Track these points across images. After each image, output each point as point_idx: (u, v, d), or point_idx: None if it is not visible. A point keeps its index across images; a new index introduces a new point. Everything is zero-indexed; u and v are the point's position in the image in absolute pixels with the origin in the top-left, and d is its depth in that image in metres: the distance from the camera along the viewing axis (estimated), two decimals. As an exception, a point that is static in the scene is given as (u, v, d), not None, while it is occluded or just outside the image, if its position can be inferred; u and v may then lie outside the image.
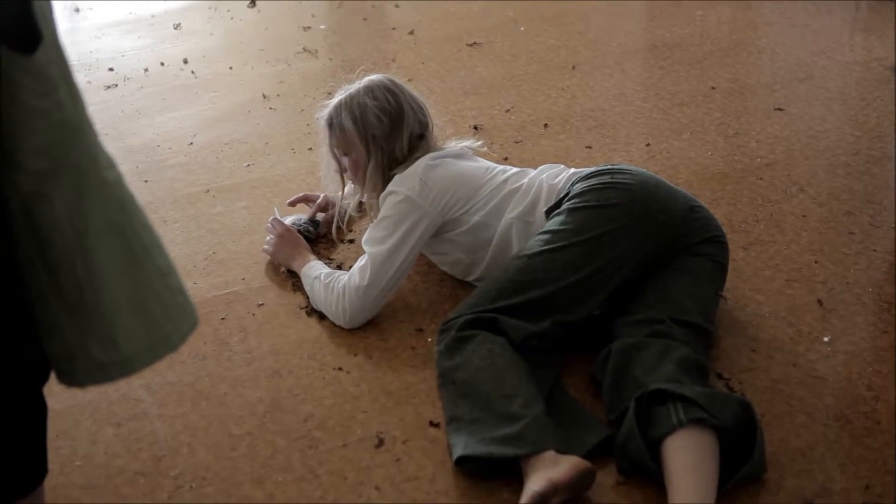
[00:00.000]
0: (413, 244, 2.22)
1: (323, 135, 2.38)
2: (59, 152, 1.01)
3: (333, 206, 2.64)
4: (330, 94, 2.42)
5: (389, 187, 2.26)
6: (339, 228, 2.57)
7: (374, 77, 2.37)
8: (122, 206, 1.08)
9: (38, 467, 1.24)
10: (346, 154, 2.34)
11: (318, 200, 2.65)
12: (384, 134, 2.30)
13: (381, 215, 2.26)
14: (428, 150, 2.33)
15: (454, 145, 2.39)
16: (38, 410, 1.20)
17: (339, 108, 2.33)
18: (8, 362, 1.09)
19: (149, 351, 1.10)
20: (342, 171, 2.39)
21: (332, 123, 2.33)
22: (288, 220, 2.56)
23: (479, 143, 2.51)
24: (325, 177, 2.50)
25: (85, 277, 1.04)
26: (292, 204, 2.69)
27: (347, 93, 2.34)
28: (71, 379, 1.11)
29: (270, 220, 2.53)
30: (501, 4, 4.36)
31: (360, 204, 2.61)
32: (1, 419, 1.13)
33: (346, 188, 2.49)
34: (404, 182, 2.24)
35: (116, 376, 1.11)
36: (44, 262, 1.04)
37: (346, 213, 2.56)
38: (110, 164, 1.08)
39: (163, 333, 1.11)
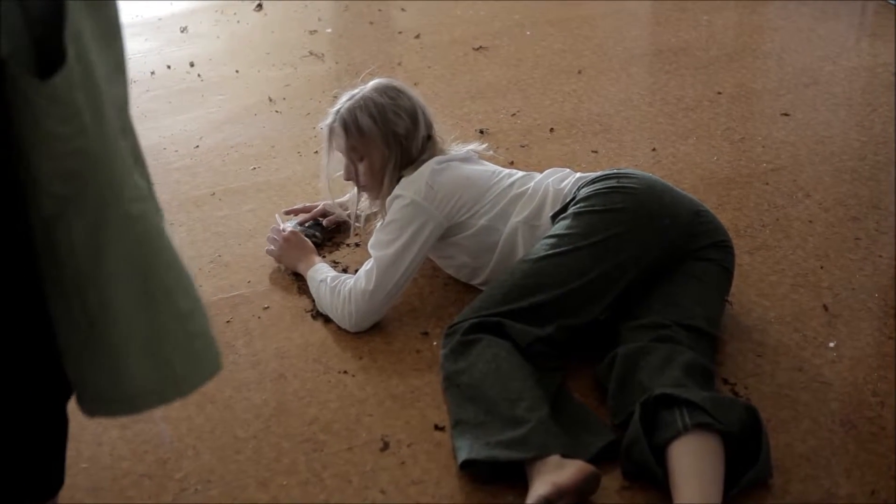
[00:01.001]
0: (419, 248, 2.22)
1: (336, 141, 2.34)
2: (79, 179, 0.97)
3: (332, 213, 2.64)
4: (336, 97, 2.41)
5: (396, 191, 2.26)
6: (356, 234, 2.57)
7: (379, 80, 2.37)
8: (146, 241, 1.03)
9: (55, 478, 1.24)
10: (362, 157, 2.31)
11: (318, 208, 2.65)
12: (406, 131, 2.29)
13: (387, 219, 2.26)
14: (434, 153, 2.33)
15: (459, 149, 2.39)
16: (60, 425, 1.19)
17: (352, 110, 2.29)
18: (34, 376, 1.08)
19: (156, 393, 1.07)
20: (356, 175, 2.36)
21: (348, 125, 2.29)
22: (292, 224, 2.57)
23: (484, 146, 2.51)
24: (325, 188, 2.48)
25: (97, 310, 1.01)
26: (292, 213, 2.69)
27: (357, 95, 2.32)
28: (82, 405, 1.09)
29: (279, 225, 2.53)
30: (508, 8, 4.36)
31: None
32: (24, 432, 1.12)
33: (355, 195, 2.47)
34: (410, 186, 2.24)
35: (121, 413, 1.08)
36: (60, 287, 1.01)
37: (362, 218, 2.54)
38: (139, 197, 1.03)
39: (174, 378, 1.07)
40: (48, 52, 0.92)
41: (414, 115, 2.30)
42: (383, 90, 2.32)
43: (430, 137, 2.34)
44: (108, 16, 1.02)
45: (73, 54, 0.92)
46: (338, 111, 2.33)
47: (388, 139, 2.28)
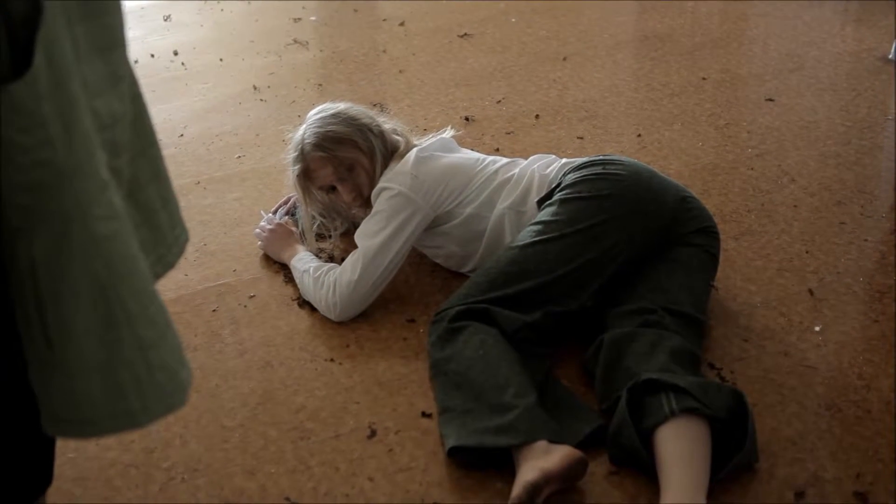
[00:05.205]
0: (405, 238, 2.22)
1: (317, 174, 2.34)
2: (43, 193, 0.91)
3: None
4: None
5: (382, 182, 2.25)
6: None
7: (308, 117, 2.41)
8: (111, 264, 0.96)
9: (44, 476, 1.23)
10: (351, 167, 2.32)
11: (290, 203, 2.64)
12: (371, 120, 2.34)
13: (374, 210, 2.25)
14: (409, 144, 2.34)
15: (435, 139, 2.38)
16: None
17: (314, 133, 2.32)
18: (19, 376, 1.06)
19: (110, 420, 1.02)
20: (347, 194, 2.36)
21: (322, 143, 2.30)
22: (280, 215, 2.57)
23: (459, 131, 2.51)
24: (312, 239, 2.47)
25: (54, 329, 0.96)
26: (278, 207, 2.67)
27: (307, 131, 2.34)
28: (41, 421, 1.04)
29: (265, 218, 2.54)
30: (492, -5, 4.36)
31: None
32: (12, 430, 1.11)
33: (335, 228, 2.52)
34: (396, 177, 2.24)
35: (74, 435, 1.04)
36: (22, 302, 0.96)
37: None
38: (109, 216, 0.96)
39: (129, 408, 1.02)
40: (19, 57, 0.87)
41: (356, 112, 2.36)
42: (318, 113, 2.37)
43: (391, 132, 2.38)
44: (106, 23, 0.97)
45: (42, 62, 0.87)
46: (300, 149, 2.34)
47: (362, 134, 2.31)
